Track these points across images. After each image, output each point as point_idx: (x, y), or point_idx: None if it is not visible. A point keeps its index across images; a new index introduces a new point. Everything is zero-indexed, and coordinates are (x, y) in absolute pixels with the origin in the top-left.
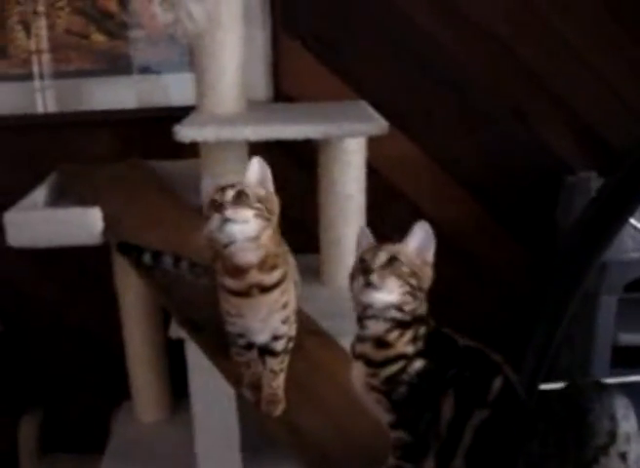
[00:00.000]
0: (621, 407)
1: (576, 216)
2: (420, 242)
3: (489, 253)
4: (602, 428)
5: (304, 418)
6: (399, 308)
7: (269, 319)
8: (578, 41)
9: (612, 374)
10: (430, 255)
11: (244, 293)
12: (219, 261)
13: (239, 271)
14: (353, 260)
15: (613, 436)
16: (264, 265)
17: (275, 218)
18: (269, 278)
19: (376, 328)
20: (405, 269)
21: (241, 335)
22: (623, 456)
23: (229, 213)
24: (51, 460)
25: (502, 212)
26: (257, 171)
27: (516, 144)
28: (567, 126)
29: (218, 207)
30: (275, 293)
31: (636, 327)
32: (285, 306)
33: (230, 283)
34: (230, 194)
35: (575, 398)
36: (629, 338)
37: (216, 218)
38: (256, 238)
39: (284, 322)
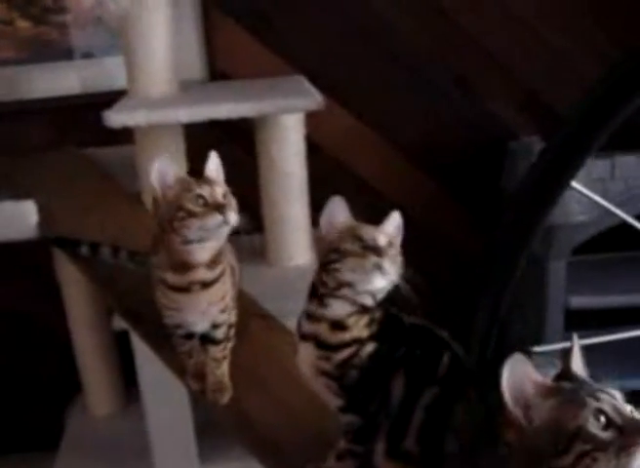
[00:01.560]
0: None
1: (519, 182)
2: (394, 229)
3: (436, 221)
4: None
5: (252, 404)
6: (374, 295)
7: (208, 311)
8: (519, 6)
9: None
10: (398, 242)
11: (184, 289)
12: (161, 255)
13: (185, 268)
14: (326, 230)
15: None
16: (211, 263)
17: None
18: (212, 273)
19: (339, 309)
20: (398, 256)
21: (179, 326)
22: None
23: (230, 217)
24: (3, 461)
25: (448, 179)
26: (216, 166)
27: (460, 111)
28: (509, 91)
29: (219, 207)
30: (215, 288)
31: (586, 289)
32: (223, 297)
33: (172, 278)
34: (220, 192)
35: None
36: (580, 301)
37: (216, 218)
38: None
39: (222, 311)
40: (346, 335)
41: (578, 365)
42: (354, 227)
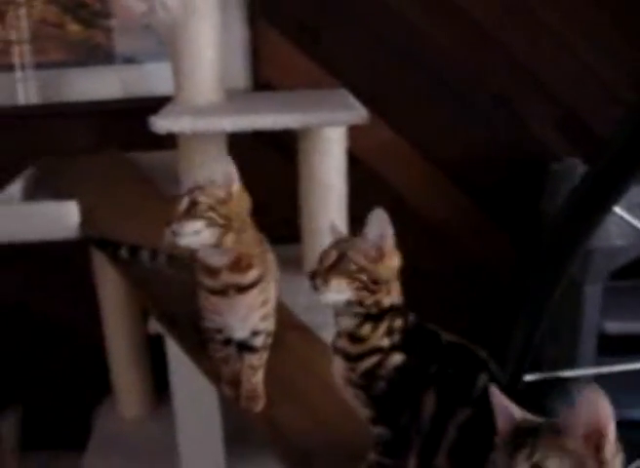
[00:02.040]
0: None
1: (560, 205)
2: (376, 232)
3: (473, 242)
4: None
5: (285, 413)
6: (359, 303)
7: (249, 317)
8: (561, 27)
9: (598, 363)
10: (388, 244)
11: (221, 293)
12: (196, 260)
13: (212, 271)
14: None
15: None
16: (237, 266)
17: (242, 218)
18: (245, 278)
19: (346, 323)
20: (352, 267)
21: (219, 331)
22: None
23: (175, 227)
24: (32, 458)
25: (487, 199)
26: (221, 171)
27: (500, 132)
28: (551, 113)
29: (168, 220)
30: (253, 293)
31: (622, 315)
32: (264, 304)
33: (207, 281)
34: (182, 206)
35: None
36: (615, 327)
37: (167, 232)
38: (216, 244)
39: (263, 319)
40: (365, 346)
41: None
42: (322, 251)
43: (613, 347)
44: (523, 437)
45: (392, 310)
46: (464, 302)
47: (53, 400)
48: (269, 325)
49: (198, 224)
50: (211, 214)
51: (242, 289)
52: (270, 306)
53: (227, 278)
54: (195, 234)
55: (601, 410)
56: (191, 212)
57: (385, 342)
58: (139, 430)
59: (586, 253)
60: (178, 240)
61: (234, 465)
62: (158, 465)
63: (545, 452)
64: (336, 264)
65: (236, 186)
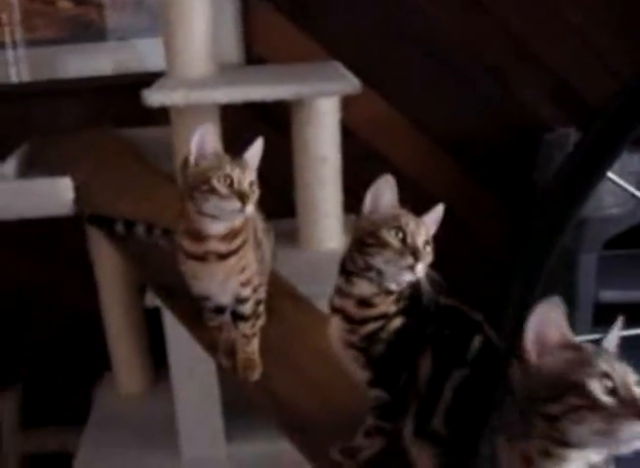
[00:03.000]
0: None
1: (553, 173)
2: (432, 224)
3: (469, 212)
4: None
5: (282, 382)
6: (401, 284)
7: (226, 283)
8: None
9: (594, 332)
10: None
11: (201, 258)
12: (181, 222)
13: (200, 237)
14: (370, 208)
15: None
16: (226, 237)
17: None
18: (227, 246)
19: (364, 288)
20: (431, 254)
21: (206, 298)
22: None
23: (248, 209)
24: (32, 434)
25: (482, 170)
26: (257, 153)
27: (493, 102)
28: (544, 83)
29: (240, 195)
30: (232, 260)
31: (617, 284)
32: (243, 270)
33: (188, 246)
34: (248, 180)
35: None
36: (610, 295)
37: (234, 204)
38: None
39: (244, 285)
40: (373, 312)
41: (611, 342)
42: (398, 216)
43: (608, 316)
44: None
45: None
46: (458, 269)
47: (53, 377)
48: (258, 293)
49: (252, 207)
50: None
51: (222, 256)
52: (250, 272)
53: (212, 245)
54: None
55: (554, 322)
56: (253, 193)
57: (392, 309)
58: (138, 406)
59: (581, 221)
60: (238, 216)
61: (233, 437)
62: (158, 440)
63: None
64: (427, 243)
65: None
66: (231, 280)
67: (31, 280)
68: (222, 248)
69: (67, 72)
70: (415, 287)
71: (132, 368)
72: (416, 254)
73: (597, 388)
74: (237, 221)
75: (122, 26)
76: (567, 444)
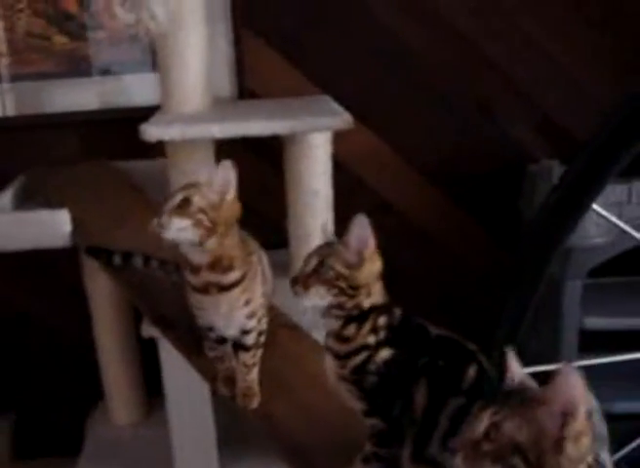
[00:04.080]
0: None
1: (539, 204)
2: (357, 238)
3: (455, 243)
4: None
5: (280, 409)
6: (339, 307)
7: (231, 315)
8: (539, 33)
9: (580, 358)
10: (369, 251)
11: (203, 290)
12: (180, 256)
13: (194, 268)
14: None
15: None
16: (217, 267)
17: (229, 224)
18: (225, 278)
19: (330, 324)
20: (331, 274)
21: (210, 329)
22: None
23: (163, 220)
24: (25, 465)
25: (468, 200)
26: (220, 177)
27: (479, 135)
28: (529, 115)
29: (159, 210)
30: (234, 292)
31: (601, 311)
32: (247, 303)
33: (191, 278)
34: (175, 200)
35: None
36: (595, 322)
37: (153, 222)
38: (198, 243)
39: (249, 317)
40: (351, 345)
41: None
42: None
43: (593, 343)
44: (503, 397)
45: (375, 309)
46: (446, 300)
47: (46, 407)
48: (260, 324)
49: (185, 223)
50: (200, 216)
51: (223, 288)
52: (255, 305)
53: (208, 276)
54: (180, 231)
55: (576, 389)
56: (182, 208)
57: (371, 340)
58: (131, 436)
59: (566, 251)
60: (162, 232)
61: (227, 465)
62: None
63: (508, 415)
64: (316, 271)
65: (231, 194)
66: (236, 312)
67: (25, 310)
68: (220, 279)
69: (57, 107)
70: (389, 315)
71: (125, 398)
72: (293, 280)
73: None
74: (209, 245)
75: (113, 62)
76: None
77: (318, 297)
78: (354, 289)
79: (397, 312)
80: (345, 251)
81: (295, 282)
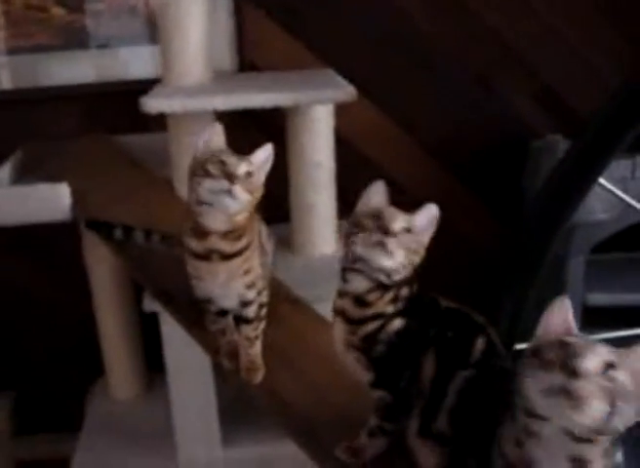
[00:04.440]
0: None
1: (543, 180)
2: (426, 222)
3: (458, 218)
4: None
5: (284, 384)
6: (388, 274)
7: (229, 284)
8: (541, 6)
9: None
10: (428, 238)
11: (204, 257)
12: (188, 221)
13: (202, 233)
14: (360, 208)
15: None
16: (228, 236)
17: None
18: (231, 247)
19: (357, 284)
20: (413, 245)
21: (209, 301)
22: None
23: (236, 189)
24: (26, 441)
25: (470, 177)
26: (265, 158)
27: (482, 110)
28: (532, 90)
29: (229, 175)
30: (236, 261)
31: (604, 287)
32: (247, 272)
33: (193, 244)
34: (243, 169)
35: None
36: (598, 298)
37: (221, 184)
38: (232, 214)
39: (249, 287)
40: (369, 311)
41: None
42: (380, 208)
43: (597, 319)
44: None
45: (402, 282)
46: (448, 276)
47: (46, 384)
48: (261, 295)
49: (246, 198)
50: (257, 194)
51: (225, 256)
52: (254, 275)
53: (214, 243)
54: (238, 202)
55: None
56: (248, 182)
57: (389, 309)
58: (132, 411)
59: (569, 227)
60: (226, 199)
61: (229, 441)
62: (153, 445)
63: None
64: (403, 235)
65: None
66: (234, 282)
67: (25, 286)
68: (226, 247)
69: (55, 80)
70: (411, 287)
71: (126, 373)
72: (385, 231)
73: None
74: (238, 217)
75: (111, 34)
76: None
77: (396, 261)
78: (412, 266)
79: (416, 285)
80: (416, 227)
81: (389, 234)
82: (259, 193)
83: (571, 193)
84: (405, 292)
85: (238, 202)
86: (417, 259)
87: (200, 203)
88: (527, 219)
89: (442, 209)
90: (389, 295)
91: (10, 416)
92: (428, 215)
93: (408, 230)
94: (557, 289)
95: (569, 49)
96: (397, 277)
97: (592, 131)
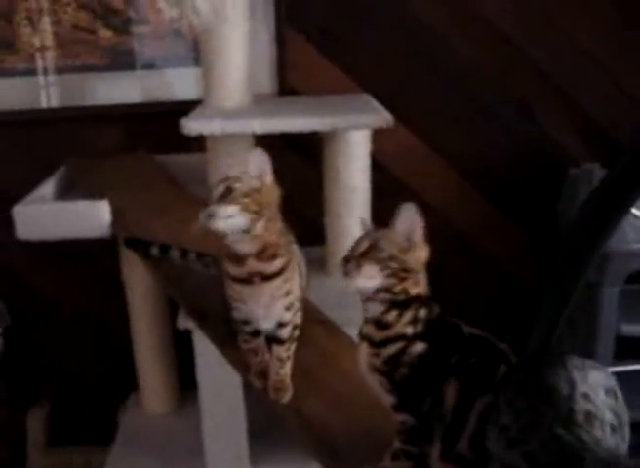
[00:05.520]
0: (577, 368)
1: (578, 207)
2: (406, 223)
3: (494, 244)
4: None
5: (312, 405)
6: (387, 290)
7: (272, 306)
8: (582, 35)
9: (615, 365)
10: (417, 236)
11: (245, 280)
12: (222, 248)
13: (238, 259)
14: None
15: (571, 397)
16: (263, 255)
17: (272, 209)
18: (270, 267)
19: (373, 309)
20: (384, 254)
21: (246, 322)
22: (588, 416)
23: (211, 209)
24: (58, 452)
25: (507, 203)
26: (255, 163)
27: (520, 137)
28: (570, 118)
29: (205, 202)
30: (277, 281)
31: (638, 317)
32: (288, 294)
33: (232, 269)
34: (218, 191)
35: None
36: (632, 329)
37: (202, 214)
38: (247, 230)
39: (287, 309)
40: (390, 332)
41: None
42: (354, 240)
43: (629, 350)
44: None
45: (418, 300)
46: (483, 302)
47: (80, 396)
48: (295, 317)
49: (233, 209)
50: (245, 199)
51: (266, 277)
52: (293, 297)
53: (253, 266)
54: (229, 218)
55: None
56: (227, 197)
57: (409, 330)
58: (164, 426)
59: (604, 255)
60: (212, 223)
61: (257, 460)
62: (183, 461)
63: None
64: (368, 251)
65: (269, 177)
66: (277, 303)
67: (63, 299)
68: (265, 268)
69: (100, 99)
70: (429, 308)
71: (159, 388)
72: (345, 260)
73: None
74: (258, 232)
75: (156, 56)
76: None
77: (370, 277)
78: (405, 271)
79: (436, 308)
80: (395, 234)
81: (347, 261)
82: (263, 196)
83: (604, 222)
84: (423, 313)
85: (225, 218)
86: (407, 263)
87: (220, 235)
88: (561, 246)
89: (478, 233)
90: (408, 316)
91: (44, 428)
92: (406, 216)
93: (372, 246)
94: (590, 319)
95: (609, 79)
96: (397, 288)
97: (626, 159)
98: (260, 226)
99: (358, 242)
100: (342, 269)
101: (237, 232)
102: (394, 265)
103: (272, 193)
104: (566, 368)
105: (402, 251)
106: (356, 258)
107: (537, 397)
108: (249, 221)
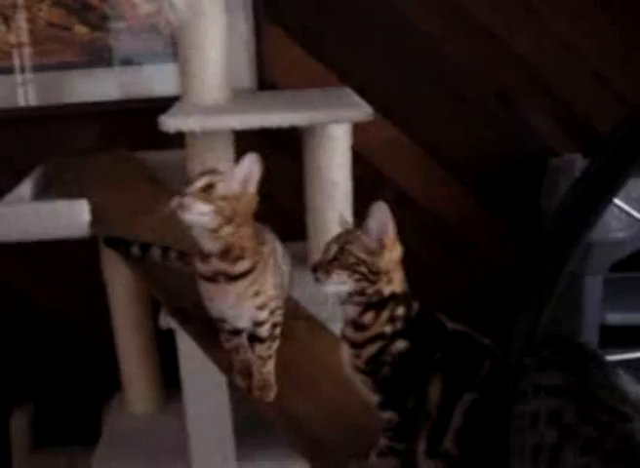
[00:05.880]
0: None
1: (560, 198)
2: (376, 224)
3: (475, 236)
4: None
5: (296, 402)
6: (360, 293)
7: (239, 306)
8: (561, 25)
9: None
10: (389, 236)
11: (211, 279)
12: (196, 244)
13: (204, 255)
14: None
15: None
16: (228, 256)
17: (246, 218)
18: (234, 268)
19: (350, 311)
20: (352, 259)
21: (222, 320)
22: None
23: (186, 201)
24: (43, 454)
25: (488, 194)
26: (245, 168)
27: (501, 128)
28: (551, 109)
29: (182, 190)
30: (243, 283)
31: (622, 306)
32: (257, 294)
33: (199, 266)
34: (200, 183)
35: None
36: (616, 318)
37: (176, 200)
38: (212, 230)
39: (260, 308)
40: (368, 333)
41: None
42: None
43: (614, 339)
44: None
45: (394, 298)
46: (465, 294)
47: (63, 397)
48: (274, 316)
49: (207, 208)
50: (222, 203)
51: (231, 278)
52: (265, 297)
53: (217, 265)
54: (200, 215)
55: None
56: (206, 193)
57: (388, 329)
58: (148, 426)
59: (587, 245)
60: (181, 213)
61: (243, 457)
62: (168, 460)
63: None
64: (337, 257)
65: (253, 187)
66: (244, 302)
67: (43, 301)
68: (228, 269)
69: (78, 96)
70: (407, 306)
71: (142, 388)
72: (314, 267)
73: None
74: (224, 233)
75: (134, 52)
76: None
77: (340, 283)
78: (375, 274)
79: (415, 305)
80: (365, 236)
81: (316, 268)
82: (240, 204)
83: (587, 212)
84: (401, 311)
85: (197, 214)
86: (376, 266)
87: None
88: (544, 237)
89: (460, 225)
90: (385, 315)
91: (27, 429)
92: (377, 216)
93: (340, 251)
94: (574, 307)
95: (588, 68)
96: (369, 290)
97: (609, 150)
98: (226, 230)
99: (327, 247)
100: (312, 276)
101: (202, 229)
102: (363, 269)
103: (250, 204)
104: None
105: (372, 253)
106: (325, 265)
107: None
108: (216, 224)
